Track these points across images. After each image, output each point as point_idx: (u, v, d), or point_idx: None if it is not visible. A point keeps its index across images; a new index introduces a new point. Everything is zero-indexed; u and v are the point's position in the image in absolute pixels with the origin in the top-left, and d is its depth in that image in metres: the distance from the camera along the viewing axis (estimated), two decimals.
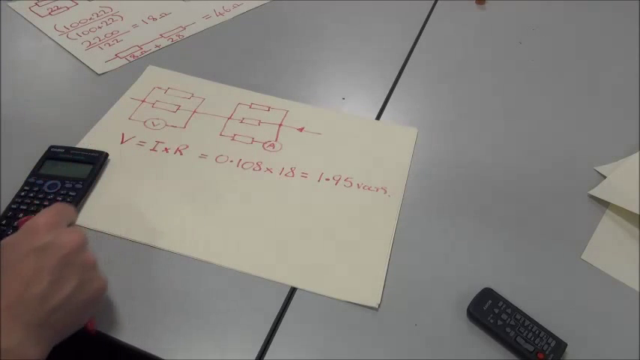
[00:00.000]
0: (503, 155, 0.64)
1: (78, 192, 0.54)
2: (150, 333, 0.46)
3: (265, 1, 0.85)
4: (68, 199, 0.53)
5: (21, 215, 0.51)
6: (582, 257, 0.54)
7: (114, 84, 0.69)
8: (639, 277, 0.53)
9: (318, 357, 0.45)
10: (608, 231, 0.56)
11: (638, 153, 0.63)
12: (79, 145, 0.60)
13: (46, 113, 0.65)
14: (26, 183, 0.55)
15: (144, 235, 0.52)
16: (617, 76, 0.76)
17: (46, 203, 0.52)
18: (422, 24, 0.84)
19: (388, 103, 0.69)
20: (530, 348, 0.45)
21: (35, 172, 0.56)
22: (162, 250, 0.51)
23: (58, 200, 0.53)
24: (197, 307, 0.48)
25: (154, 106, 0.66)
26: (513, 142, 0.65)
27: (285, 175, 0.59)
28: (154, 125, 0.64)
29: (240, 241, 0.53)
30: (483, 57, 0.78)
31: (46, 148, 0.58)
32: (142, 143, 0.61)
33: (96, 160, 0.57)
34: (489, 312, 0.47)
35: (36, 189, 0.54)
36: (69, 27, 0.77)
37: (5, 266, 0.38)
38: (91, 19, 0.79)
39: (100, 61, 0.72)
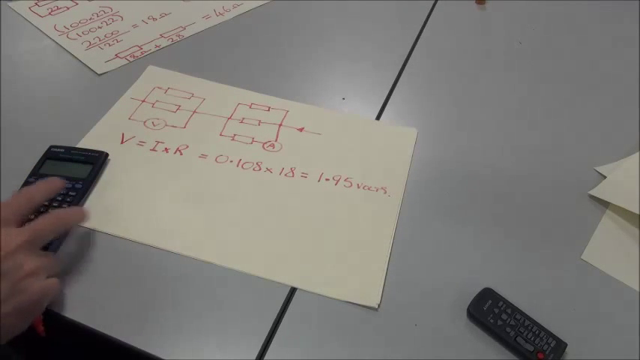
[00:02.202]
0: (502, 155, 0.64)
1: (78, 192, 0.54)
2: (150, 333, 0.46)
3: (265, 1, 0.85)
4: (68, 199, 0.53)
5: None
6: (582, 257, 0.54)
7: (114, 84, 0.69)
8: (639, 277, 0.53)
9: (318, 357, 0.45)
10: (608, 231, 0.56)
11: (638, 153, 0.63)
12: (79, 145, 0.60)
13: (46, 113, 0.65)
14: (26, 183, 0.55)
15: (143, 235, 0.52)
16: (617, 75, 0.76)
17: (45, 203, 0.52)
18: (422, 24, 0.84)
19: (388, 103, 0.69)
20: (530, 348, 0.45)
21: (35, 172, 0.56)
22: (162, 250, 0.51)
23: (57, 200, 0.53)
24: (197, 307, 0.48)
25: (154, 106, 0.66)
26: (513, 142, 0.65)
27: (285, 175, 0.59)
28: (153, 125, 0.64)
29: (240, 241, 0.53)
30: (483, 57, 0.78)
31: (46, 148, 0.58)
32: (141, 143, 0.61)
33: (96, 160, 0.57)
34: (489, 312, 0.47)
35: None
36: (69, 27, 0.77)
37: None
38: (91, 19, 0.79)
39: (100, 61, 0.72)
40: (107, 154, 0.59)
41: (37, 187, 0.47)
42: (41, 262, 0.42)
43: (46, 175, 0.55)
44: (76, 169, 0.56)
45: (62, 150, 0.58)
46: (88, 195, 0.55)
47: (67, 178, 0.55)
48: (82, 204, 0.54)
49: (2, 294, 0.39)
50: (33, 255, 0.42)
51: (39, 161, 0.57)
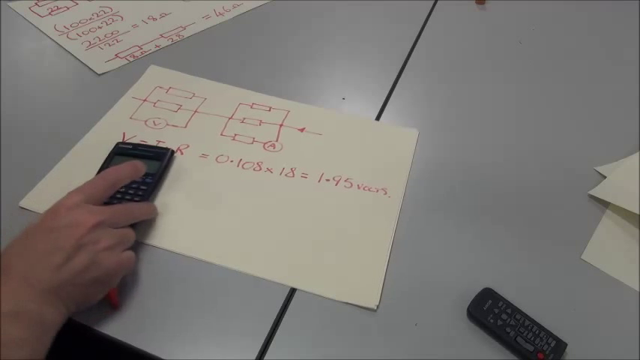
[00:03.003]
0: (503, 155, 0.64)
1: (149, 186, 0.55)
2: (150, 332, 0.46)
3: (265, 1, 0.85)
4: (140, 193, 0.54)
5: None
6: (582, 257, 0.54)
7: (114, 84, 0.69)
8: (639, 277, 0.53)
9: (318, 357, 0.45)
10: (608, 231, 0.56)
11: (638, 153, 0.63)
12: (79, 145, 0.60)
13: (46, 113, 0.65)
14: None
15: (143, 235, 0.52)
16: (617, 76, 0.76)
17: (118, 196, 0.52)
18: (422, 24, 0.84)
19: (388, 103, 0.69)
20: (530, 348, 0.45)
21: (105, 168, 0.56)
22: (162, 249, 0.52)
23: (129, 193, 0.53)
24: (197, 307, 0.48)
25: (156, 105, 0.66)
26: (513, 143, 0.65)
27: (286, 175, 0.59)
28: (155, 125, 0.64)
29: (240, 242, 0.53)
30: (483, 57, 0.78)
31: (46, 148, 0.58)
32: (143, 142, 0.61)
33: (163, 156, 0.58)
34: (489, 312, 0.47)
35: None
36: (69, 27, 0.77)
37: (28, 240, 0.43)
38: (91, 19, 0.79)
39: (100, 61, 0.72)
40: (173, 151, 0.60)
41: (123, 169, 0.51)
42: (117, 238, 0.46)
43: None
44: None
45: (130, 146, 0.59)
46: None
47: None
48: (154, 198, 0.55)
49: (82, 265, 0.42)
50: (109, 231, 0.45)
51: (107, 157, 0.57)
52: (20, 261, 0.41)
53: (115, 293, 0.46)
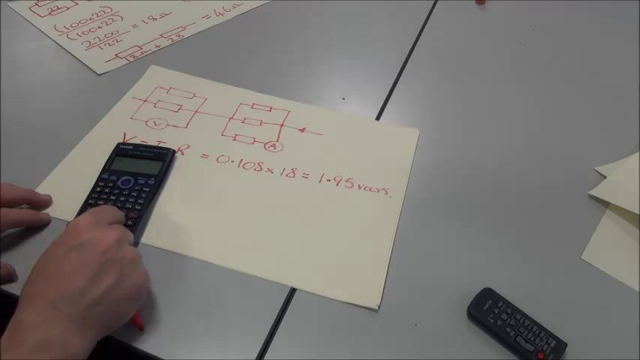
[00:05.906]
0: (503, 155, 0.64)
1: (152, 188, 0.55)
2: (150, 333, 0.46)
3: (265, 1, 0.85)
4: (143, 195, 0.54)
5: None
6: (582, 257, 0.54)
7: (114, 84, 0.69)
8: (639, 277, 0.53)
9: (318, 357, 0.45)
10: (608, 231, 0.57)
11: (638, 153, 0.63)
12: (80, 145, 0.60)
13: (46, 114, 0.65)
14: (99, 179, 0.55)
15: (144, 235, 0.52)
16: (617, 76, 0.76)
17: (122, 199, 0.53)
18: (422, 24, 0.84)
19: (388, 103, 0.70)
20: (530, 348, 0.45)
21: (107, 169, 0.56)
22: (162, 250, 0.52)
23: (133, 195, 0.53)
24: (197, 307, 0.48)
25: (156, 105, 0.66)
26: (514, 143, 0.65)
27: (287, 175, 0.59)
28: (155, 125, 0.64)
29: (241, 242, 0.53)
30: (483, 57, 0.78)
31: (46, 148, 0.58)
32: (143, 143, 0.61)
33: (164, 157, 0.58)
34: (489, 312, 0.48)
35: (110, 185, 0.54)
36: (69, 27, 0.78)
37: (51, 263, 0.41)
38: (91, 19, 0.79)
39: (100, 61, 0.72)
40: (174, 151, 0.59)
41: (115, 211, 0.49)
42: (137, 252, 0.45)
43: (118, 172, 0.56)
44: (146, 166, 0.57)
45: (131, 147, 0.58)
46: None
47: (139, 175, 0.56)
48: (157, 199, 0.55)
49: (111, 281, 0.41)
50: (129, 246, 0.45)
51: (109, 158, 0.57)
52: (46, 285, 0.40)
53: (139, 314, 0.45)
